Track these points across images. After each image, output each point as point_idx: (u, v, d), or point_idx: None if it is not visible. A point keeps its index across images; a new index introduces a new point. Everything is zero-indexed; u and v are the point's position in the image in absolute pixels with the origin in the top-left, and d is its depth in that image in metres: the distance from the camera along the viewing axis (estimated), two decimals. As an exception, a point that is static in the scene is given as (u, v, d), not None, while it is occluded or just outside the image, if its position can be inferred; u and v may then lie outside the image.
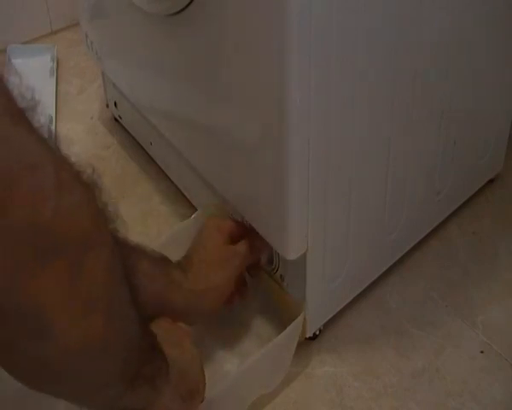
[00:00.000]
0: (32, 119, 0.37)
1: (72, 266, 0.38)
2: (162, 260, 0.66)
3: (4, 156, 0.34)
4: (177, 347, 0.60)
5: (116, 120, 1.09)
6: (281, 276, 0.75)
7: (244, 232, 0.72)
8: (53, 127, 1.06)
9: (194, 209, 0.88)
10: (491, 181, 0.97)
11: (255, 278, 0.77)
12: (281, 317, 0.76)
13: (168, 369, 0.56)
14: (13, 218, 0.34)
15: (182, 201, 0.95)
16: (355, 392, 0.74)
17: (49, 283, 0.37)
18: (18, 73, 0.38)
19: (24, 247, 0.35)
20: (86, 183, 0.40)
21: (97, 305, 0.41)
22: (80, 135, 1.07)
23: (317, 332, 0.78)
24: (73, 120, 1.10)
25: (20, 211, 0.34)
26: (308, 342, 0.77)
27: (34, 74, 1.16)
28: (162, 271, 0.64)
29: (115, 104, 1.06)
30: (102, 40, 0.95)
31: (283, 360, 0.73)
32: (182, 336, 0.64)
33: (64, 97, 1.14)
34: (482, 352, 0.77)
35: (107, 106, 1.10)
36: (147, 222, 0.93)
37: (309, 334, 0.76)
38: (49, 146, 0.37)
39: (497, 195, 0.96)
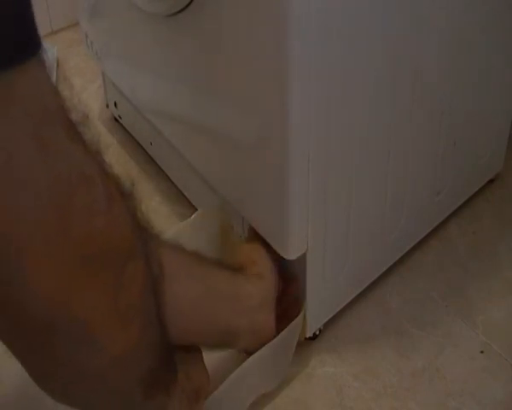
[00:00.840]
0: (83, 132, 0.38)
1: (118, 276, 0.39)
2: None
3: (64, 169, 0.35)
4: (183, 350, 0.60)
5: (116, 120, 1.09)
6: (281, 276, 0.75)
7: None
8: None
9: (194, 209, 0.88)
10: (491, 181, 0.97)
11: None
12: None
13: (177, 372, 0.56)
14: (70, 228, 0.35)
15: (182, 201, 0.95)
16: (355, 392, 0.74)
17: (96, 294, 0.38)
18: (70, 86, 0.38)
19: (78, 258, 0.36)
20: (127, 194, 0.42)
21: (135, 316, 0.42)
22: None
23: (317, 332, 0.78)
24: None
25: (77, 221, 0.35)
26: (308, 342, 0.77)
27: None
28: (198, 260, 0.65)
29: (115, 104, 1.06)
30: (102, 40, 0.95)
31: (283, 360, 0.73)
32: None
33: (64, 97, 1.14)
34: (482, 352, 0.77)
35: (107, 106, 1.10)
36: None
37: (309, 334, 0.76)
38: (98, 159, 0.39)
39: (497, 195, 0.96)
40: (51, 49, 1.23)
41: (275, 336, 0.69)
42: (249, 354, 0.68)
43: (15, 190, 0.33)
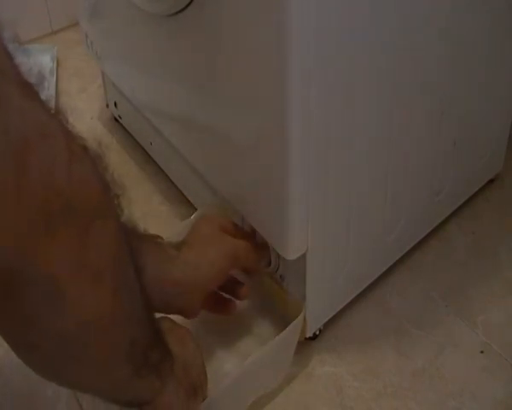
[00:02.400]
0: (40, 93, 0.38)
1: (82, 233, 0.39)
2: (156, 238, 0.67)
3: (19, 125, 0.35)
4: (180, 343, 0.61)
5: (116, 120, 1.09)
6: (281, 276, 0.75)
7: (244, 235, 0.72)
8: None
9: (194, 209, 0.88)
10: (491, 181, 0.97)
11: (255, 279, 0.77)
12: (281, 317, 0.76)
13: (172, 361, 0.56)
14: (28, 181, 0.35)
15: (182, 201, 0.95)
16: (355, 392, 0.74)
17: (61, 249, 0.38)
18: (25, 51, 0.39)
19: (37, 211, 0.36)
20: (94, 156, 0.41)
21: (106, 275, 0.42)
22: (80, 135, 1.07)
23: (317, 332, 0.78)
24: (73, 119, 1.10)
25: (35, 176, 0.35)
26: (308, 342, 0.77)
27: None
28: (158, 248, 0.66)
29: (115, 104, 1.06)
30: (102, 40, 0.95)
31: (283, 360, 0.73)
32: (183, 334, 0.64)
33: (64, 97, 1.14)
34: (482, 352, 0.77)
35: (107, 106, 1.10)
36: (147, 222, 0.93)
37: (309, 334, 0.76)
38: (58, 117, 0.39)
39: (497, 195, 0.96)
40: (51, 49, 1.23)
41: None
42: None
43: None
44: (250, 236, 0.73)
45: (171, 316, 0.66)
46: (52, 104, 0.39)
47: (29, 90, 0.37)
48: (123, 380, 0.49)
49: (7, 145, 0.34)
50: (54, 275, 0.38)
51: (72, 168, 0.37)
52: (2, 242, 0.35)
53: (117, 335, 0.46)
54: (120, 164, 1.02)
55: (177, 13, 0.68)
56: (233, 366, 0.74)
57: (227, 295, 0.73)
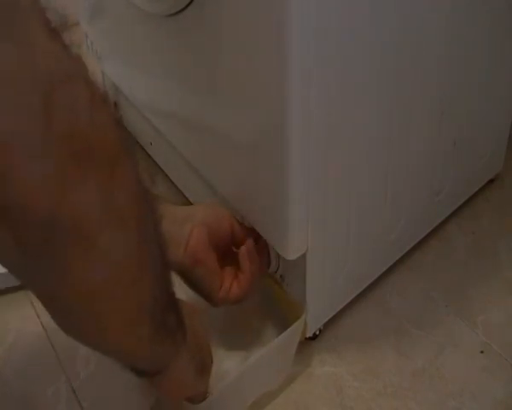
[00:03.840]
0: (64, 37, 0.38)
1: (108, 178, 0.39)
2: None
3: (45, 67, 0.35)
4: (189, 319, 0.61)
5: (116, 120, 1.09)
6: (281, 276, 0.75)
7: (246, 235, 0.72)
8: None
9: (195, 209, 0.88)
10: (491, 181, 0.97)
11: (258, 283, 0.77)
12: (281, 317, 0.77)
13: (186, 331, 0.57)
14: (54, 122, 0.35)
15: (182, 201, 0.95)
16: (355, 392, 0.74)
17: (91, 194, 0.38)
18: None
19: (65, 154, 0.36)
20: (111, 106, 0.42)
21: (131, 221, 0.42)
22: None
23: (317, 332, 0.78)
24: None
25: (61, 119, 0.35)
26: (308, 342, 0.78)
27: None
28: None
29: (115, 104, 1.06)
30: (102, 40, 0.95)
31: (284, 361, 0.73)
32: (192, 311, 0.64)
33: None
34: (482, 352, 0.77)
35: (107, 106, 1.09)
36: (147, 222, 0.93)
37: (309, 334, 0.76)
38: (81, 62, 0.39)
39: (497, 195, 0.96)
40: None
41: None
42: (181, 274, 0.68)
43: None
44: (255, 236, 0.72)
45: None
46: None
47: (54, 33, 0.37)
48: (144, 340, 0.49)
49: (34, 84, 0.34)
50: (86, 218, 0.38)
51: (93, 112, 0.38)
52: (38, 188, 0.35)
53: (142, 288, 0.46)
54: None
55: (177, 13, 0.68)
56: (234, 366, 0.74)
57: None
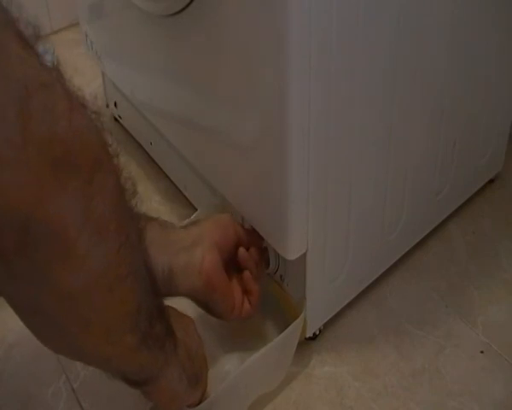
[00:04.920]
0: (36, 47, 0.38)
1: (86, 183, 0.39)
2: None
3: (20, 73, 0.35)
4: (184, 331, 0.61)
5: (116, 119, 1.09)
6: (281, 276, 0.75)
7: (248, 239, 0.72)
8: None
9: (194, 209, 0.88)
10: (491, 181, 0.97)
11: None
12: (281, 317, 0.76)
13: (176, 342, 0.57)
14: (31, 128, 0.35)
15: (182, 201, 0.96)
16: (355, 392, 0.74)
17: (68, 199, 0.38)
18: (19, 8, 0.39)
19: (43, 159, 0.36)
20: (93, 112, 0.42)
21: (110, 227, 0.42)
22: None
23: (317, 332, 0.78)
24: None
25: (38, 123, 0.35)
26: (308, 342, 0.78)
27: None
28: (159, 223, 0.68)
29: (115, 104, 1.06)
30: (102, 40, 0.95)
31: (284, 361, 0.73)
32: (187, 322, 0.64)
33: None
34: (482, 352, 0.77)
35: (107, 106, 1.10)
36: (147, 222, 0.93)
37: (309, 334, 0.76)
38: (57, 70, 0.39)
39: (497, 195, 0.96)
40: (51, 49, 1.23)
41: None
42: (192, 297, 0.68)
43: None
44: (257, 238, 0.72)
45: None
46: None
47: (27, 42, 0.37)
48: (129, 349, 0.49)
49: (9, 92, 0.34)
50: (63, 225, 0.38)
51: (71, 118, 0.38)
52: (16, 192, 0.35)
53: (123, 296, 0.46)
54: (120, 164, 1.02)
55: (177, 13, 0.68)
56: (233, 366, 0.74)
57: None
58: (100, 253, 0.41)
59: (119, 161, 0.45)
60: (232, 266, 0.71)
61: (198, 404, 0.65)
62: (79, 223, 0.39)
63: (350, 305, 0.81)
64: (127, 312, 0.47)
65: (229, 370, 0.73)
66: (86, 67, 1.19)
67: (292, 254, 0.67)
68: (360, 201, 0.71)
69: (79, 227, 0.39)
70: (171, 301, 0.60)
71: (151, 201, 0.97)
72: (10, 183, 0.35)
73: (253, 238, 0.72)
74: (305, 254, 0.68)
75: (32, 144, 0.35)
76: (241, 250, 0.70)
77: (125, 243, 0.44)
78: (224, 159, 0.73)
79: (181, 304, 0.65)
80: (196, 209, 0.86)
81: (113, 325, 0.47)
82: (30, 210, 0.36)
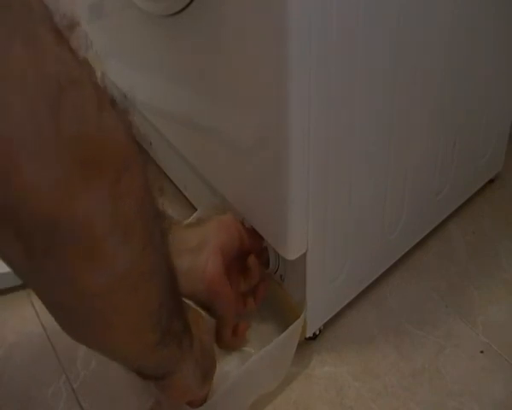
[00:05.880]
0: (71, 40, 0.38)
1: (114, 182, 0.39)
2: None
3: (52, 68, 0.35)
4: (196, 325, 0.61)
5: (116, 120, 1.09)
6: (281, 276, 0.75)
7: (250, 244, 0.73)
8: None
9: (194, 209, 0.88)
10: (491, 181, 0.97)
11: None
12: (281, 317, 0.77)
13: (192, 338, 0.57)
14: (62, 126, 0.35)
15: (182, 201, 0.95)
16: (355, 392, 0.74)
17: (97, 198, 0.37)
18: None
19: (72, 158, 0.36)
20: (121, 109, 0.42)
21: (136, 227, 0.42)
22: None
23: (317, 332, 0.78)
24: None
25: (69, 121, 0.35)
26: (308, 342, 0.78)
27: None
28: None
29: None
30: (102, 40, 0.95)
31: (284, 361, 0.73)
32: (198, 317, 0.64)
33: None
34: (482, 352, 0.77)
35: (107, 106, 1.09)
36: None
37: (309, 334, 0.76)
38: (88, 67, 0.39)
39: (497, 195, 0.96)
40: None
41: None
42: (196, 300, 0.68)
43: (2, 88, 0.33)
44: (257, 238, 0.73)
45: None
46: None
47: (62, 37, 0.37)
48: (149, 346, 0.49)
49: (42, 88, 0.34)
50: (91, 225, 0.38)
51: (100, 116, 0.37)
52: (45, 189, 0.35)
53: (146, 296, 0.46)
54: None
55: (177, 13, 0.68)
56: (233, 367, 0.74)
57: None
58: (125, 253, 0.41)
59: (146, 160, 0.45)
60: (234, 264, 0.71)
61: (205, 398, 0.65)
62: (106, 223, 0.39)
63: (350, 305, 0.81)
64: (150, 311, 0.47)
65: (230, 370, 0.73)
66: (86, 67, 1.19)
67: (292, 254, 0.67)
68: (360, 201, 0.71)
69: (106, 227, 0.39)
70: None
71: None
72: (40, 180, 0.34)
73: (254, 238, 0.72)
74: (305, 254, 0.68)
75: (62, 141, 0.35)
76: (252, 259, 0.72)
77: (149, 242, 0.44)
78: (224, 159, 0.73)
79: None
80: (196, 209, 0.86)
81: (135, 323, 0.47)
82: (59, 209, 0.36)
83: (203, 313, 0.68)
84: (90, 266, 0.39)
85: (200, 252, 0.67)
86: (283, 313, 0.76)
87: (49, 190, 0.35)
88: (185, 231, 0.69)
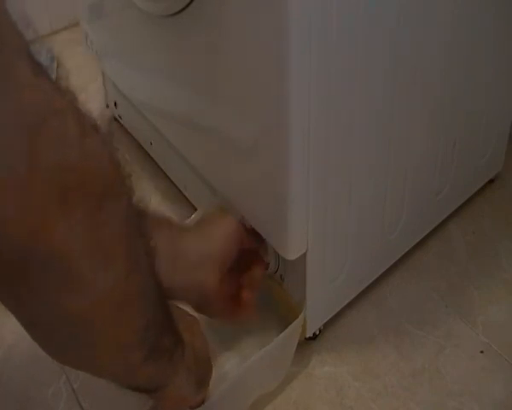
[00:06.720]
0: (49, 72, 0.38)
1: (95, 210, 0.39)
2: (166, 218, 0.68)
3: (31, 101, 0.35)
4: (189, 331, 0.60)
5: (116, 119, 1.09)
6: (281, 276, 0.75)
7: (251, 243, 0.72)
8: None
9: (194, 209, 0.88)
10: (491, 181, 0.97)
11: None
12: (281, 317, 0.76)
13: (184, 348, 0.56)
14: (41, 157, 0.35)
15: (182, 201, 0.95)
16: (355, 392, 0.74)
17: (75, 226, 0.37)
18: (34, 31, 0.39)
19: (51, 187, 0.36)
20: (104, 134, 0.41)
21: (118, 254, 0.42)
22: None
23: (317, 332, 0.78)
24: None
25: (48, 151, 0.35)
26: (308, 342, 0.78)
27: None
28: (170, 225, 0.67)
29: (115, 104, 1.06)
30: (102, 40, 0.95)
31: (283, 361, 0.73)
32: (192, 321, 0.64)
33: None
34: (482, 352, 0.77)
35: (107, 106, 1.10)
36: (147, 222, 0.93)
37: (309, 334, 0.76)
38: (69, 96, 0.39)
39: (497, 195, 0.96)
40: (51, 49, 1.23)
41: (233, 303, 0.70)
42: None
43: None
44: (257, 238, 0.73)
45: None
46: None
47: (39, 68, 0.37)
48: (136, 364, 0.49)
49: (20, 121, 0.34)
50: (68, 253, 0.38)
51: (83, 144, 0.37)
52: (18, 219, 0.35)
53: (130, 316, 0.46)
54: (120, 164, 1.02)
55: (177, 13, 0.68)
56: (233, 367, 0.74)
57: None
58: (107, 278, 0.41)
59: (132, 181, 0.45)
60: (232, 265, 0.71)
61: (202, 401, 0.65)
62: (85, 251, 0.39)
63: (350, 305, 0.81)
64: (134, 330, 0.47)
65: (229, 370, 0.73)
66: (86, 67, 1.19)
67: (292, 254, 0.67)
68: (360, 201, 0.71)
69: (84, 255, 0.39)
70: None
71: (151, 201, 0.97)
72: (11, 210, 0.35)
73: (254, 238, 0.72)
74: (305, 254, 0.68)
75: (38, 172, 0.35)
76: (258, 271, 0.72)
77: (134, 265, 0.44)
78: (225, 159, 0.73)
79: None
80: (196, 209, 0.86)
81: (119, 342, 0.46)
82: (31, 238, 0.36)
83: (197, 317, 0.67)
84: (68, 291, 0.39)
85: (199, 269, 0.66)
86: (283, 313, 0.76)
87: (23, 218, 0.35)
88: (190, 239, 0.68)
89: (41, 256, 0.37)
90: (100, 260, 0.40)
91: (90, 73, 1.17)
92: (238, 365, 0.73)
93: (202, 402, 0.65)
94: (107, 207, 0.40)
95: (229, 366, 0.74)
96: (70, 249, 0.38)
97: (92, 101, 1.14)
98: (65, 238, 0.37)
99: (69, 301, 0.40)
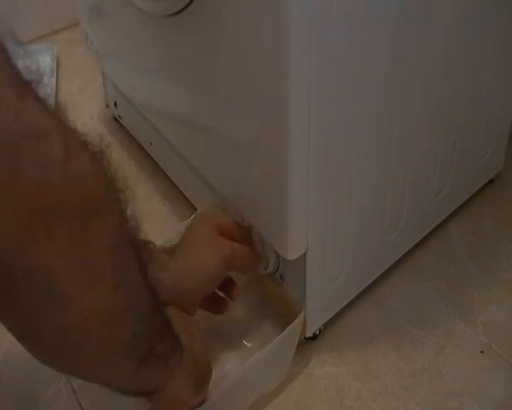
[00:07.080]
0: (37, 90, 0.38)
1: (79, 231, 0.39)
2: (148, 244, 0.64)
3: (13, 126, 0.35)
4: (188, 333, 0.60)
5: (116, 119, 1.09)
6: (281, 276, 0.75)
7: (243, 236, 0.72)
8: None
9: (194, 209, 0.88)
10: (491, 181, 0.97)
11: (253, 277, 0.77)
12: (281, 317, 0.76)
13: (182, 352, 0.56)
14: (21, 181, 0.35)
15: (182, 201, 0.95)
16: (355, 392, 0.74)
17: (58, 247, 0.38)
18: (22, 47, 0.39)
19: (33, 211, 0.36)
20: (94, 151, 0.41)
21: (105, 272, 0.42)
22: (80, 131, 1.07)
23: (317, 332, 0.78)
24: (73, 120, 1.10)
25: (28, 175, 0.35)
26: (308, 342, 0.77)
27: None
28: (149, 256, 0.63)
29: (115, 104, 1.06)
30: (102, 40, 0.95)
31: (283, 360, 0.73)
32: (191, 322, 0.64)
33: (64, 98, 1.14)
34: (482, 352, 0.77)
35: (107, 106, 1.10)
36: (146, 222, 0.93)
37: (309, 334, 0.76)
38: (55, 116, 0.39)
39: (497, 195, 0.96)
40: (51, 49, 1.23)
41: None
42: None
43: None
44: (249, 236, 0.72)
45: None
46: (51, 103, 0.39)
47: (26, 90, 0.37)
48: (128, 372, 0.49)
49: (1, 138, 0.34)
50: (51, 274, 0.38)
51: (67, 167, 0.37)
52: (2, 233, 0.35)
53: (118, 329, 0.46)
54: (120, 164, 1.02)
55: (177, 13, 0.68)
56: (233, 366, 0.74)
57: (221, 294, 0.73)
58: (93, 295, 0.41)
59: (126, 195, 0.45)
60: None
61: (202, 402, 0.65)
62: (68, 270, 0.39)
63: (350, 305, 0.81)
64: (123, 342, 0.47)
65: (230, 370, 0.73)
66: (86, 67, 1.19)
67: (292, 254, 0.67)
68: (360, 201, 0.71)
69: (68, 274, 0.39)
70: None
71: (151, 201, 0.97)
72: None
73: (247, 239, 0.72)
74: (305, 254, 0.68)
75: (18, 194, 0.35)
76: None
77: (122, 280, 0.44)
78: (224, 159, 0.73)
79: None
80: (196, 209, 0.86)
81: (107, 354, 0.46)
82: (15, 257, 0.36)
83: (196, 318, 0.67)
84: (53, 308, 0.40)
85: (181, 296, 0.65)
86: (283, 313, 0.76)
87: (9, 233, 0.35)
88: (167, 268, 0.64)
89: (25, 272, 0.37)
90: (85, 278, 0.40)
91: (90, 73, 1.18)
92: (238, 365, 0.73)
93: (202, 403, 0.65)
94: (93, 226, 0.40)
95: (230, 366, 0.74)
96: (54, 266, 0.38)
97: (92, 101, 1.15)
98: (49, 256, 0.37)
99: (54, 316, 0.40)
